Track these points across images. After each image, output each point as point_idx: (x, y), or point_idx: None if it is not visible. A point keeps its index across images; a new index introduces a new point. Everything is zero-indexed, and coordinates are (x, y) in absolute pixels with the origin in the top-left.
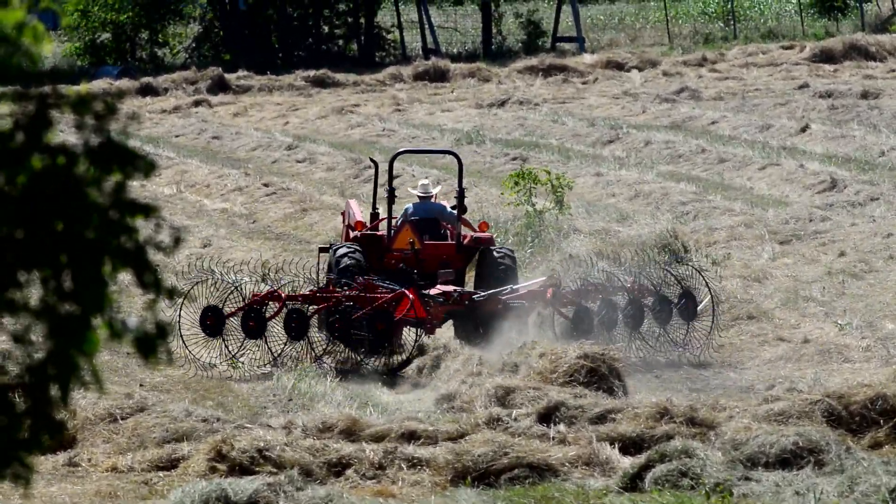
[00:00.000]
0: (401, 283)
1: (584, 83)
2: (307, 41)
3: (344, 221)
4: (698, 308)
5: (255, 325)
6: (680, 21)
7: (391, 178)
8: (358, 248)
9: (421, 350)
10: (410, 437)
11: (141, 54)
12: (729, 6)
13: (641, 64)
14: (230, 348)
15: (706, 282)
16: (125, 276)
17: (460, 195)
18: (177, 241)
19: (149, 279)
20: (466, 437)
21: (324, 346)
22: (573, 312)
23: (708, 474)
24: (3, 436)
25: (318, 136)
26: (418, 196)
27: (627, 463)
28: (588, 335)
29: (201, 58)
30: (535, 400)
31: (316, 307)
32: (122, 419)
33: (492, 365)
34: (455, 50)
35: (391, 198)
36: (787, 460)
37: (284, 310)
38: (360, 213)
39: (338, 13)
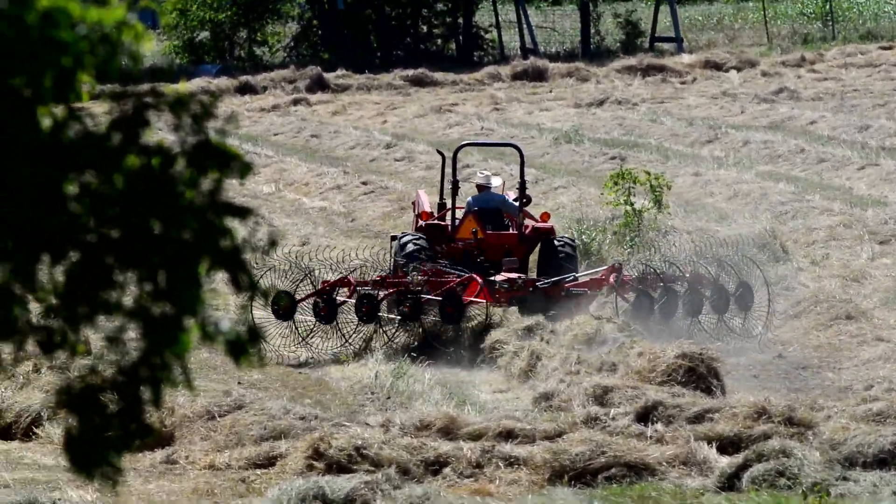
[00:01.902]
0: (468, 270)
1: (682, 83)
2: (405, 40)
3: (414, 211)
4: (755, 298)
5: (326, 310)
6: (778, 21)
7: (455, 169)
8: (422, 236)
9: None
10: (508, 435)
11: (239, 53)
12: (827, 7)
13: (740, 64)
14: (300, 333)
15: (762, 273)
16: (218, 276)
17: (521, 186)
18: (272, 244)
19: (244, 280)
20: (564, 436)
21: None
22: (634, 298)
23: (805, 474)
24: (95, 436)
25: (417, 134)
26: (476, 186)
27: (725, 462)
28: (648, 321)
29: (300, 57)
30: (633, 399)
31: (386, 292)
32: (220, 416)
33: (590, 364)
34: (553, 49)
35: (455, 189)
36: (885, 460)
37: (355, 295)
38: (429, 204)
39: (436, 13)
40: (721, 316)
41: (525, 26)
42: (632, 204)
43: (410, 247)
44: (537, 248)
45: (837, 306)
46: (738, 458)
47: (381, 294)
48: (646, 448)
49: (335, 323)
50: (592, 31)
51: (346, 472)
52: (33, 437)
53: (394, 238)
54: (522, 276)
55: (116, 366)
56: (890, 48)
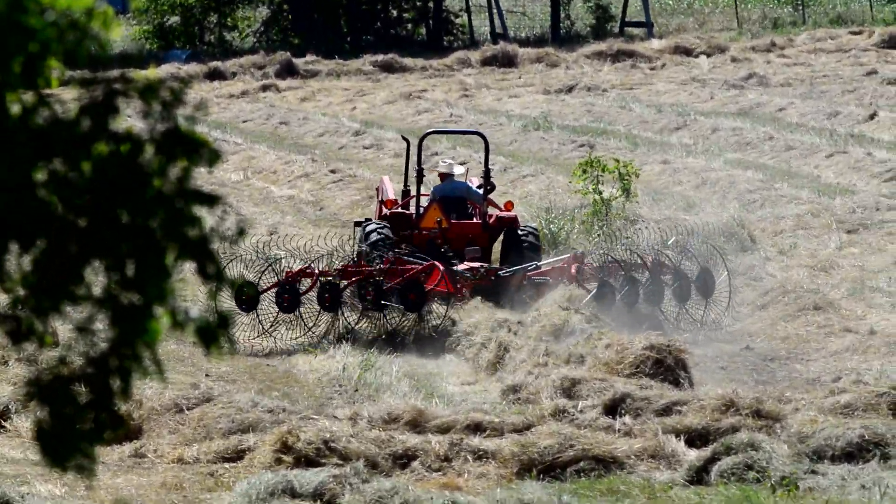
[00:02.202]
0: (430, 258)
1: (652, 69)
2: (376, 25)
3: (378, 198)
4: (716, 284)
5: (289, 300)
6: (749, 6)
7: (420, 157)
8: (387, 224)
9: (452, 321)
10: (476, 428)
11: (209, 38)
12: None
13: (710, 49)
14: (263, 324)
15: (723, 260)
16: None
17: (486, 174)
18: (241, 233)
19: (211, 270)
20: (532, 429)
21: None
22: (596, 288)
23: (774, 467)
24: (67, 427)
25: (386, 121)
26: (440, 175)
27: (693, 455)
28: (610, 310)
29: (270, 42)
30: (601, 391)
31: (348, 281)
32: (188, 409)
33: (558, 356)
34: (523, 35)
35: (419, 177)
36: (853, 454)
37: (317, 285)
38: (393, 191)
39: None
40: (682, 304)
41: (495, 11)
42: (600, 192)
43: (374, 236)
44: (501, 237)
45: (805, 297)
46: (707, 452)
47: (344, 283)
48: (614, 441)
49: (298, 312)
50: (563, 15)
51: (314, 465)
52: (1, 430)
53: (357, 224)
54: (485, 264)
55: (86, 356)
56: (860, 33)
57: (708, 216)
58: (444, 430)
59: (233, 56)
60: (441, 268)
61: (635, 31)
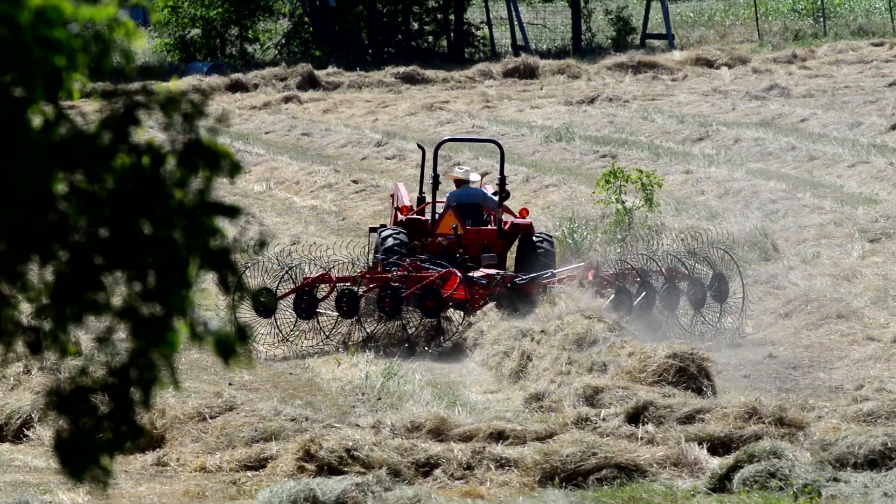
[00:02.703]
0: (447, 265)
1: (673, 80)
2: (397, 37)
3: (392, 205)
4: (730, 290)
5: (306, 306)
6: (769, 18)
7: (436, 164)
8: (402, 230)
9: (469, 326)
10: (498, 436)
11: (231, 50)
12: (819, 3)
13: (731, 61)
14: (281, 329)
15: (738, 266)
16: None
17: (502, 182)
18: (262, 244)
19: (232, 281)
20: (555, 437)
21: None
22: (612, 294)
23: (796, 475)
24: (85, 438)
25: (408, 132)
26: (455, 181)
27: (716, 463)
28: (627, 316)
29: (291, 54)
30: (624, 399)
31: (366, 287)
32: (211, 418)
33: (581, 364)
34: (544, 47)
35: (435, 184)
36: (876, 461)
37: (335, 291)
38: (408, 198)
39: (427, 10)
40: (698, 310)
41: (516, 23)
42: (623, 202)
43: (390, 241)
44: (515, 244)
45: (828, 305)
46: (729, 459)
47: (362, 290)
48: (636, 449)
49: (316, 319)
50: (583, 27)
51: (336, 473)
52: (24, 439)
53: (372, 230)
54: (501, 271)
55: (106, 367)
56: (881, 45)
57: (731, 226)
58: (466, 438)
59: (254, 68)
60: (459, 275)
61: (656, 42)
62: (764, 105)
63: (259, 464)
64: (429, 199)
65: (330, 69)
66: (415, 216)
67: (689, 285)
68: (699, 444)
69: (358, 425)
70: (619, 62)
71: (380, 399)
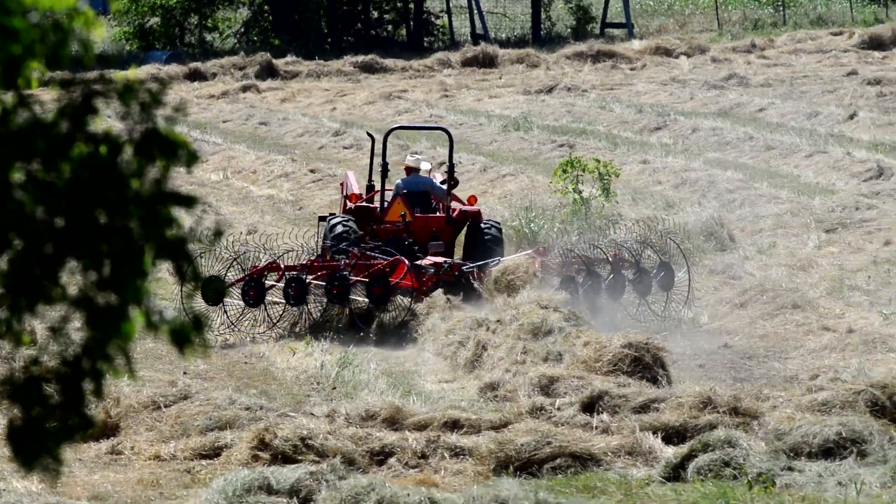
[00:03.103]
0: (395, 252)
1: (632, 69)
2: (356, 26)
3: (342, 192)
4: (675, 279)
5: (254, 294)
6: (729, 7)
7: (385, 152)
8: (351, 218)
9: (413, 314)
10: (453, 426)
11: (190, 39)
12: None
13: (690, 50)
14: (229, 316)
15: (683, 254)
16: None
17: (450, 170)
18: (218, 233)
19: (188, 271)
20: (509, 427)
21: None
22: (559, 282)
23: (751, 464)
24: (36, 428)
25: (366, 122)
26: (405, 169)
27: (670, 452)
28: (572, 304)
29: (250, 43)
30: (579, 389)
31: (314, 275)
32: (166, 407)
33: (536, 354)
34: (504, 35)
35: (384, 172)
36: (831, 450)
37: (283, 279)
38: (357, 186)
39: None
40: (643, 298)
41: (476, 12)
42: (580, 192)
43: (339, 228)
44: (464, 231)
45: (784, 295)
46: (684, 448)
47: (310, 277)
48: (591, 438)
49: (263, 306)
50: (543, 16)
51: (291, 462)
52: None
53: (321, 219)
54: (448, 260)
55: (60, 356)
56: (840, 34)
57: (688, 215)
58: (421, 427)
59: (213, 57)
60: (407, 263)
61: (616, 32)
62: (722, 94)
63: (214, 452)
64: (378, 187)
65: (289, 58)
66: (364, 204)
67: (635, 273)
68: (654, 434)
69: (313, 414)
70: (578, 51)
71: (334, 388)
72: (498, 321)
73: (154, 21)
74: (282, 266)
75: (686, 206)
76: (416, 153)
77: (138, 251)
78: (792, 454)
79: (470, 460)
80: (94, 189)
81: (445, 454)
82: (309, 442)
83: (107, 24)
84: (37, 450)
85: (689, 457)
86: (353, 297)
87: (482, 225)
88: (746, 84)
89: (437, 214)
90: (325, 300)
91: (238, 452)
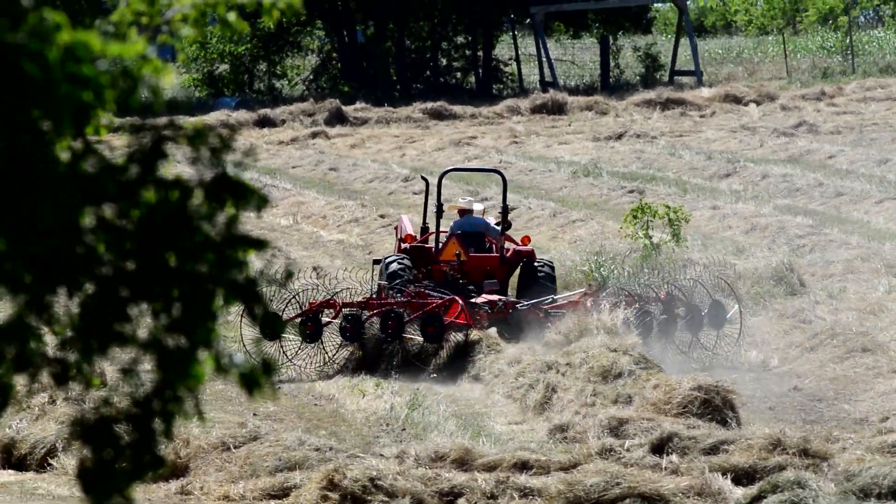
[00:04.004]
0: (450, 292)
1: (701, 116)
2: (425, 73)
3: (397, 235)
4: (728, 317)
5: (312, 330)
6: (798, 55)
7: (440, 194)
8: (406, 257)
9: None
10: (523, 466)
11: (259, 86)
12: (847, 41)
13: (759, 98)
14: (287, 353)
15: (735, 293)
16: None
17: (504, 211)
18: (289, 276)
19: (259, 313)
20: (578, 468)
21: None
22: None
23: None
24: (108, 467)
25: (435, 167)
26: (459, 211)
27: (740, 493)
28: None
29: (319, 90)
30: (649, 431)
31: (370, 312)
32: (235, 448)
33: (606, 396)
34: (572, 83)
35: (439, 213)
36: None
37: (340, 316)
38: (412, 228)
39: (456, 46)
40: (695, 335)
41: (545, 59)
42: (650, 237)
43: (395, 266)
44: (518, 271)
45: (854, 339)
46: (753, 490)
47: (366, 314)
48: (660, 479)
49: (320, 342)
50: (612, 64)
51: (360, 503)
52: (48, 468)
53: (376, 262)
54: (503, 297)
55: (130, 398)
56: None
57: (758, 261)
58: (490, 468)
59: (282, 103)
60: (461, 301)
61: (685, 79)
62: (792, 141)
63: (283, 493)
64: (432, 228)
65: (358, 105)
66: (419, 244)
67: (686, 311)
68: (723, 475)
69: (382, 455)
70: (647, 98)
71: (404, 430)
72: (568, 364)
73: (223, 68)
74: (338, 302)
75: (756, 251)
76: (468, 196)
77: (208, 294)
78: (862, 495)
79: (539, 501)
80: (165, 233)
81: (515, 495)
82: (378, 483)
83: (175, 70)
84: (108, 489)
85: (759, 498)
86: (407, 335)
87: (535, 264)
88: (816, 131)
89: (492, 254)
90: (373, 336)
91: (307, 493)
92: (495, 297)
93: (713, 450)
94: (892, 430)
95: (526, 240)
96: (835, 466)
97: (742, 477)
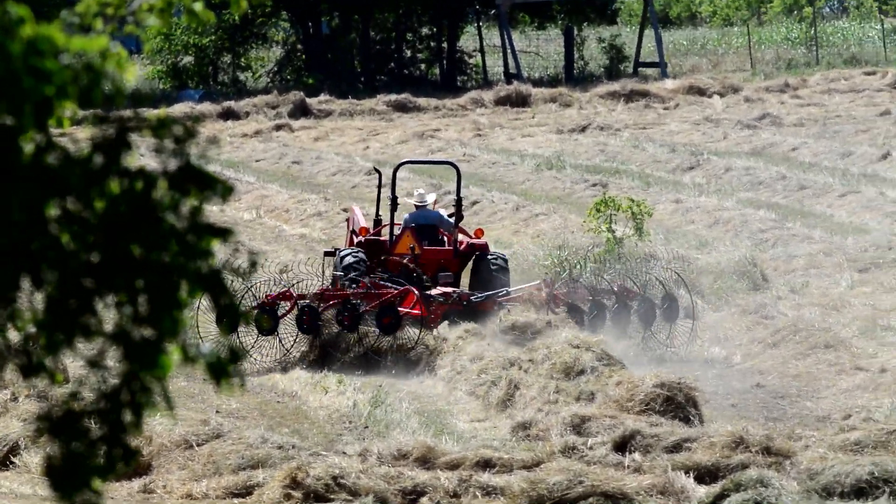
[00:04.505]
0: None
1: (665, 109)
2: (389, 65)
3: (348, 227)
4: (680, 310)
5: (269, 322)
6: (763, 47)
7: (394, 187)
8: (361, 250)
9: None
10: (485, 465)
11: (223, 78)
12: (812, 32)
13: (723, 90)
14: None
15: (687, 286)
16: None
17: (458, 203)
18: (253, 265)
19: (225, 303)
20: (541, 466)
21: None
22: (566, 312)
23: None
24: (78, 462)
25: (399, 160)
26: (415, 205)
27: (702, 492)
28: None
29: (283, 82)
30: (611, 428)
31: (326, 304)
32: (198, 445)
33: (568, 393)
34: (537, 75)
35: (394, 206)
36: (863, 490)
37: (296, 308)
38: (364, 220)
39: (420, 37)
40: (647, 327)
41: (509, 51)
42: (613, 231)
43: (349, 259)
44: (470, 263)
45: (816, 335)
46: (716, 488)
47: (322, 306)
48: (623, 477)
49: (276, 334)
50: (576, 56)
51: (323, 501)
52: (11, 465)
53: (327, 253)
54: (457, 290)
55: (97, 391)
56: (873, 74)
57: (720, 255)
58: (453, 466)
59: (246, 96)
60: (416, 292)
61: (649, 71)
62: (755, 134)
63: (246, 491)
64: (386, 220)
65: (322, 97)
66: (373, 237)
67: (640, 304)
68: (686, 473)
69: (345, 453)
70: (611, 90)
71: (367, 427)
72: (530, 360)
73: (187, 60)
74: (294, 294)
75: (719, 245)
76: (420, 190)
77: (174, 284)
78: (824, 494)
79: (502, 499)
80: (130, 223)
81: (477, 493)
82: (341, 481)
83: (139, 62)
84: (77, 484)
85: (722, 496)
86: (362, 326)
87: (489, 256)
88: (779, 123)
89: (445, 247)
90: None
91: (270, 491)
92: (450, 290)
93: (676, 448)
94: (854, 427)
95: (479, 232)
96: (798, 464)
97: (705, 475)
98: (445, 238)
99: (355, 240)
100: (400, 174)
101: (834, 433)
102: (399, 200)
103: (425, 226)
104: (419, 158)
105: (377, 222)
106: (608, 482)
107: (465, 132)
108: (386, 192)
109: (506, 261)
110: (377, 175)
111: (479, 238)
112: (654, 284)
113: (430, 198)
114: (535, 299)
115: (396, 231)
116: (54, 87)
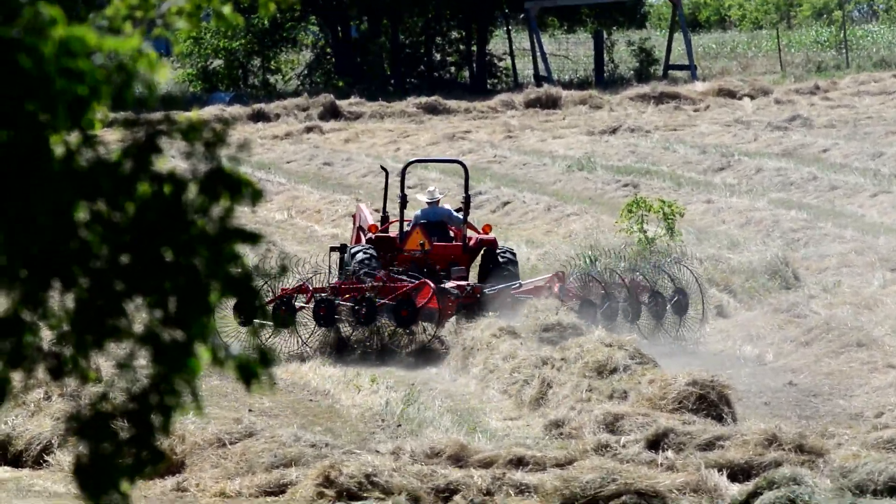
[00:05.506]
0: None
1: (695, 111)
2: (419, 68)
3: (355, 224)
4: (690, 304)
5: (285, 315)
6: (792, 50)
7: (403, 185)
8: (371, 246)
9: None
10: (518, 463)
11: (253, 81)
12: (842, 35)
13: (753, 92)
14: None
15: (697, 280)
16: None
17: (466, 200)
18: (283, 269)
19: (253, 306)
20: (574, 464)
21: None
22: (578, 305)
23: (816, 502)
24: (105, 463)
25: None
26: (426, 202)
27: (735, 490)
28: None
29: (313, 84)
30: (644, 426)
31: (343, 298)
32: (231, 444)
33: (601, 391)
34: (567, 77)
35: (403, 203)
36: (895, 488)
37: (313, 301)
38: (371, 217)
39: (450, 41)
40: (658, 321)
41: (539, 54)
42: (645, 231)
43: (361, 255)
44: (479, 259)
45: (848, 333)
46: (749, 486)
47: (339, 299)
48: (656, 475)
49: (293, 327)
50: (606, 58)
51: (356, 499)
52: (44, 464)
53: (332, 249)
54: (471, 283)
55: (127, 392)
56: None
57: (752, 255)
58: (486, 464)
59: (276, 98)
60: (432, 285)
61: (679, 74)
62: (786, 135)
63: (279, 489)
64: (396, 217)
65: (352, 99)
66: (383, 234)
67: (651, 298)
68: (719, 471)
69: (378, 451)
70: (641, 93)
71: (399, 425)
72: (563, 359)
73: (217, 63)
74: (310, 288)
75: (750, 245)
76: (430, 187)
77: (203, 288)
78: (857, 492)
79: (535, 497)
80: (159, 227)
81: (511, 491)
82: (374, 479)
83: (170, 65)
84: (105, 485)
85: (755, 494)
86: (379, 319)
87: (497, 251)
88: (810, 125)
89: (455, 243)
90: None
91: (303, 489)
92: (463, 283)
93: (709, 446)
94: (887, 425)
95: (487, 228)
96: (830, 462)
97: (738, 473)
98: (454, 234)
99: (363, 237)
100: (422, 174)
101: (867, 431)
102: (409, 198)
103: (434, 222)
104: (427, 157)
105: (384, 220)
106: (641, 480)
107: (496, 134)
108: (393, 191)
109: (514, 255)
110: (384, 173)
111: (487, 233)
112: (663, 278)
113: (438, 194)
114: (546, 293)
115: (406, 228)
116: (87, 88)
